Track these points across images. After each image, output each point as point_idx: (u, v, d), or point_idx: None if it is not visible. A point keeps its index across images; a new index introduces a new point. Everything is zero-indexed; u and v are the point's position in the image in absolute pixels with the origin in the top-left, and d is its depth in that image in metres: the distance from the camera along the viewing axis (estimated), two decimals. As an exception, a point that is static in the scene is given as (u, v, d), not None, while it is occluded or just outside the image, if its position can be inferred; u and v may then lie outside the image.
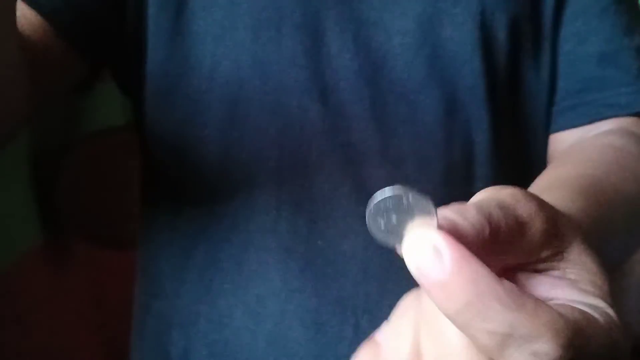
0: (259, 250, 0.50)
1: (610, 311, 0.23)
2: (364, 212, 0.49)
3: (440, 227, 0.21)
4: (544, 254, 0.24)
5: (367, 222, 0.23)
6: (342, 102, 0.50)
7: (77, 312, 1.02)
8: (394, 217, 0.22)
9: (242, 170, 0.51)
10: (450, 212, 0.22)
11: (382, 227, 0.23)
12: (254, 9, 0.50)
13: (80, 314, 1.03)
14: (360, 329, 0.49)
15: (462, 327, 0.21)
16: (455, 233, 0.21)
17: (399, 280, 0.48)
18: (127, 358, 0.60)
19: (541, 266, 0.24)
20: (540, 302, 0.21)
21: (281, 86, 0.50)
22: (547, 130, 0.55)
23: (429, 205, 0.22)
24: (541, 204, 0.24)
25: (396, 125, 0.50)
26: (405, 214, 0.22)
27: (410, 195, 0.22)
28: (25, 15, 0.46)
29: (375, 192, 0.54)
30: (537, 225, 0.23)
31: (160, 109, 0.52)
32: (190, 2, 0.50)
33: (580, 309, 0.22)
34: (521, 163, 0.54)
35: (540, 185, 0.41)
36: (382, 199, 0.22)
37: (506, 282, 0.21)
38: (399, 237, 0.22)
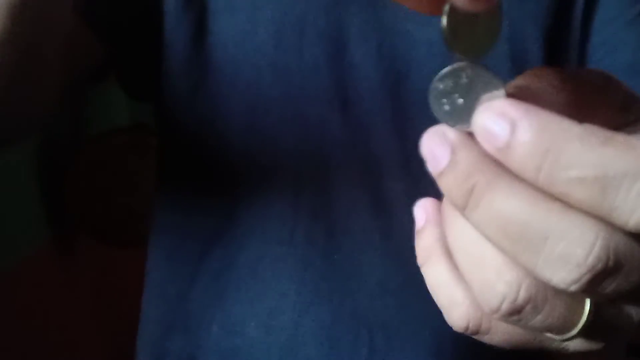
0: (274, 260, 0.50)
1: None
2: (383, 225, 0.49)
3: (510, 95, 0.21)
4: (630, 117, 0.22)
5: (430, 106, 0.23)
6: (364, 112, 0.50)
7: (81, 311, 1.03)
8: (457, 99, 0.22)
9: (259, 177, 0.51)
10: (522, 79, 0.21)
11: (447, 109, 0.22)
12: (276, 14, 0.49)
13: (84, 313, 1.04)
14: (375, 346, 0.48)
15: (550, 184, 0.19)
16: (529, 97, 0.21)
17: (416, 297, 0.48)
18: (128, 358, 0.60)
19: (629, 129, 0.22)
20: (633, 136, 0.19)
21: (301, 94, 0.50)
22: None
23: (492, 77, 0.21)
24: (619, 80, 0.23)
25: (418, 138, 0.49)
26: (468, 92, 0.21)
27: (470, 71, 0.21)
28: None
29: (394, 206, 0.53)
30: (618, 89, 0.22)
31: (180, 112, 0.53)
32: (212, 3, 0.50)
33: None
34: None
35: None
36: (440, 79, 0.22)
37: (587, 124, 0.19)
38: (467, 118, 0.21)
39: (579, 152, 0.18)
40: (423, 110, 0.49)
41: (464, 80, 0.22)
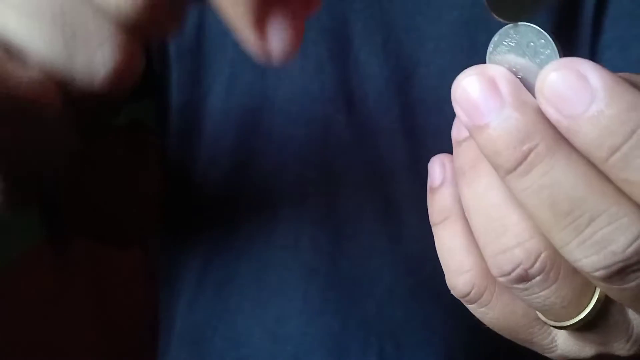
0: (278, 267, 0.49)
1: None
2: (391, 230, 0.49)
3: None
4: None
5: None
6: (370, 112, 0.49)
7: (77, 312, 1.03)
8: (517, 59, 0.21)
9: (262, 181, 0.50)
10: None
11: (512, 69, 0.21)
12: None
13: (81, 313, 1.04)
14: (385, 354, 0.48)
15: (620, 169, 0.18)
16: None
17: (426, 303, 0.48)
18: (127, 358, 0.60)
19: None
20: None
21: (305, 94, 0.49)
22: None
23: (547, 37, 0.20)
24: None
25: (426, 138, 0.49)
26: (528, 53, 0.21)
27: (527, 33, 0.21)
28: None
29: (402, 210, 0.52)
30: None
31: (178, 111, 0.52)
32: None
33: None
34: None
35: None
36: (495, 44, 0.22)
37: None
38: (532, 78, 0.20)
39: None
40: (432, 108, 0.49)
41: (519, 39, 0.21)
